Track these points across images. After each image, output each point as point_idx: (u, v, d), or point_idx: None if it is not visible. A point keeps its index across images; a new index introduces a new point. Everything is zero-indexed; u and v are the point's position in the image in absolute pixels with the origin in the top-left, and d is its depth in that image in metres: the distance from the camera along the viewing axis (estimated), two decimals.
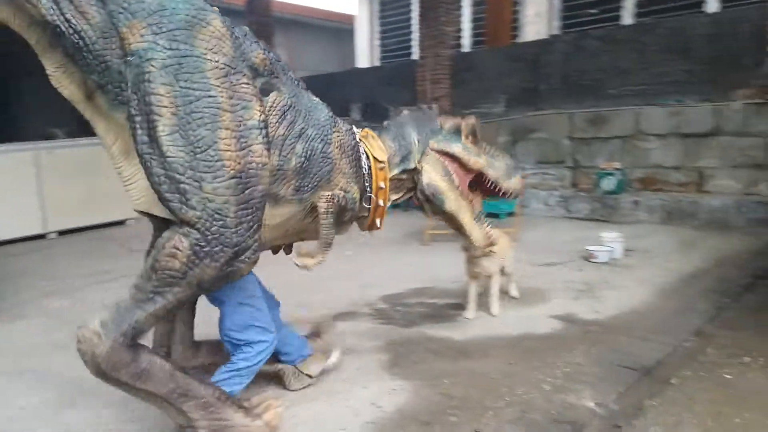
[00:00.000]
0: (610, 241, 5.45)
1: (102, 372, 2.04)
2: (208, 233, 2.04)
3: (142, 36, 2.02)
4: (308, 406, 2.79)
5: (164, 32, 2.04)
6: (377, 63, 12.79)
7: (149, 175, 2.04)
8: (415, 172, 2.92)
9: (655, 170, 7.27)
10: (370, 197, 2.75)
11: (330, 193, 2.52)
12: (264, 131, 2.19)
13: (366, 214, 2.84)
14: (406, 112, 3.04)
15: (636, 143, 7.37)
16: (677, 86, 7.08)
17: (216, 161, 2.04)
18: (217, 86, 2.08)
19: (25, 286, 5.27)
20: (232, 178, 2.06)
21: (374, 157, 2.73)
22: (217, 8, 2.28)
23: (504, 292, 4.22)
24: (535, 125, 8.26)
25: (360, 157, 2.69)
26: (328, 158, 2.51)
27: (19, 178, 7.33)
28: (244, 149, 2.10)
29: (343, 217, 2.67)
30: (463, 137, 2.95)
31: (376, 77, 10.49)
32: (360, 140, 2.76)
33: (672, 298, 4.21)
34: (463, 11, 10.68)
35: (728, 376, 2.91)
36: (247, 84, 2.18)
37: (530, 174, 8.05)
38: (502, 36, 9.20)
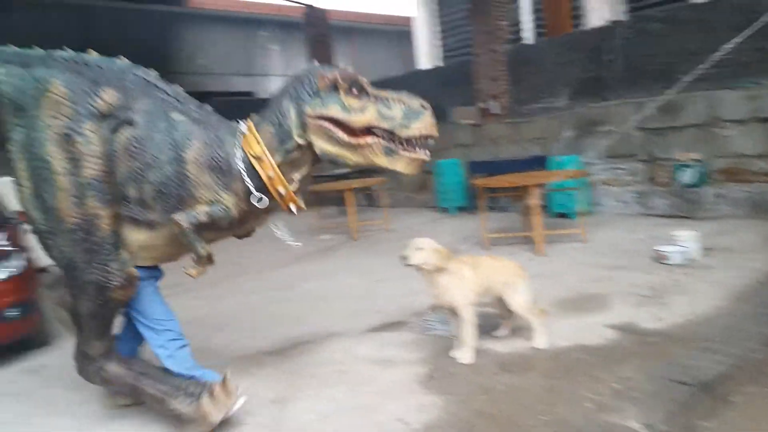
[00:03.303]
0: (684, 239, 4.99)
1: (89, 380, 2.88)
2: (72, 278, 2.65)
3: (10, 121, 2.60)
4: (334, 419, 2.77)
5: (20, 111, 2.57)
6: (439, 63, 12.65)
7: None
8: (306, 145, 2.68)
9: (738, 160, 6.63)
10: (264, 191, 2.69)
11: (183, 214, 2.62)
12: (96, 186, 2.57)
13: (275, 205, 2.79)
14: (285, 81, 2.84)
15: (713, 131, 6.76)
16: (750, 67, 6.42)
17: (58, 218, 2.54)
18: (53, 154, 2.54)
19: None
20: (72, 229, 2.55)
21: (251, 154, 2.65)
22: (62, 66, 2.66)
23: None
24: (600, 117, 7.80)
25: (229, 163, 2.67)
26: (185, 177, 2.64)
27: None
28: (78, 205, 2.55)
29: (219, 225, 2.72)
30: (341, 94, 2.60)
31: (435, 78, 10.36)
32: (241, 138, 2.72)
33: (747, 303, 3.81)
34: (521, 3, 10.32)
35: None
36: (82, 143, 2.55)
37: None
38: (564, 25, 8.80)
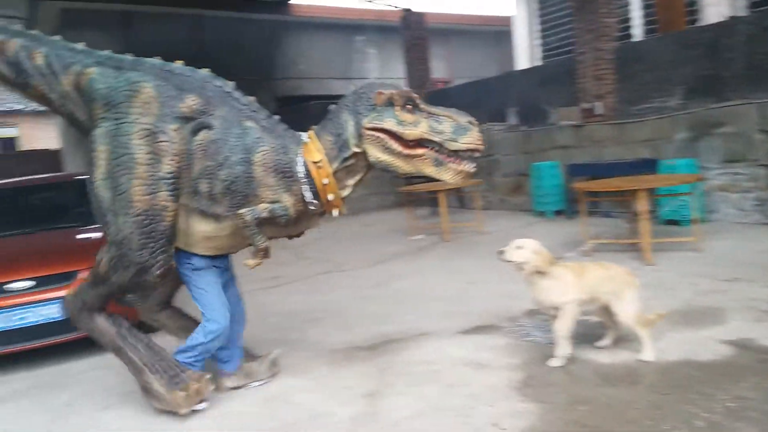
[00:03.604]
0: None
1: (72, 321, 3.17)
2: (119, 253, 2.89)
3: (99, 113, 2.96)
4: (427, 418, 2.75)
5: (110, 106, 2.92)
6: (539, 63, 12.28)
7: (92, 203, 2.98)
8: (361, 154, 2.93)
9: None
10: (317, 195, 2.95)
11: (247, 209, 2.87)
12: (171, 182, 2.86)
13: (322, 209, 3.04)
14: (344, 98, 3.07)
15: None
16: None
17: (128, 202, 2.81)
18: (138, 146, 2.83)
19: None
20: (139, 215, 2.82)
21: (311, 161, 2.91)
22: (154, 74, 2.99)
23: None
24: (719, 118, 7.20)
25: (291, 168, 2.93)
26: (252, 177, 2.91)
27: None
28: (151, 195, 2.81)
29: (278, 223, 2.96)
30: (396, 109, 2.84)
31: (534, 78, 10.06)
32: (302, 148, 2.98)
33: None
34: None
35: None
36: (166, 141, 2.85)
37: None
38: (677, 21, 8.22)
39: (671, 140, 7.44)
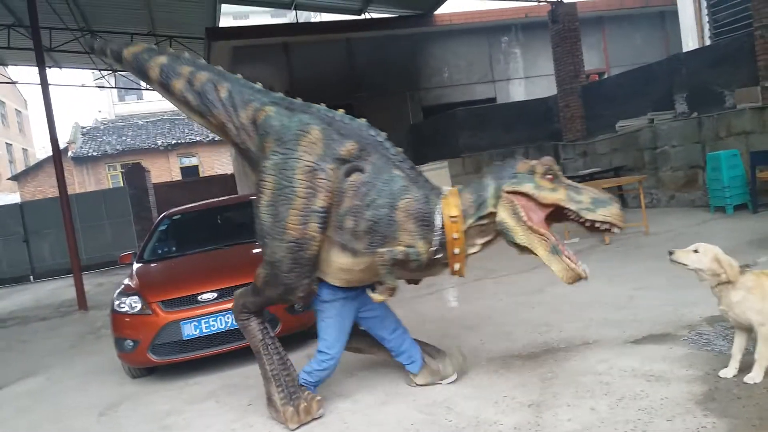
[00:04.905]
0: None
1: (234, 316, 3.58)
2: (271, 272, 3.24)
3: (270, 147, 3.28)
4: None
5: (281, 142, 3.24)
6: (708, 42, 11.02)
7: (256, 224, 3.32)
8: (494, 215, 3.06)
9: None
10: (444, 246, 3.08)
11: (386, 249, 3.02)
12: (322, 215, 3.10)
13: (445, 261, 3.16)
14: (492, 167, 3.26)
15: None
16: None
17: (283, 229, 3.10)
18: (299, 180, 3.11)
19: None
20: (291, 242, 3.11)
21: (448, 215, 3.06)
22: (321, 118, 3.31)
23: None
24: None
25: (430, 217, 3.08)
26: (393, 221, 3.08)
27: None
28: (303, 225, 3.08)
29: (408, 266, 3.11)
30: (537, 177, 2.98)
31: (704, 60, 9.05)
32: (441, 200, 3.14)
33: None
34: None
35: None
36: (323, 178, 3.11)
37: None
38: None
39: None
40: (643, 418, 2.68)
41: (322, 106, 3.40)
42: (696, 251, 2.92)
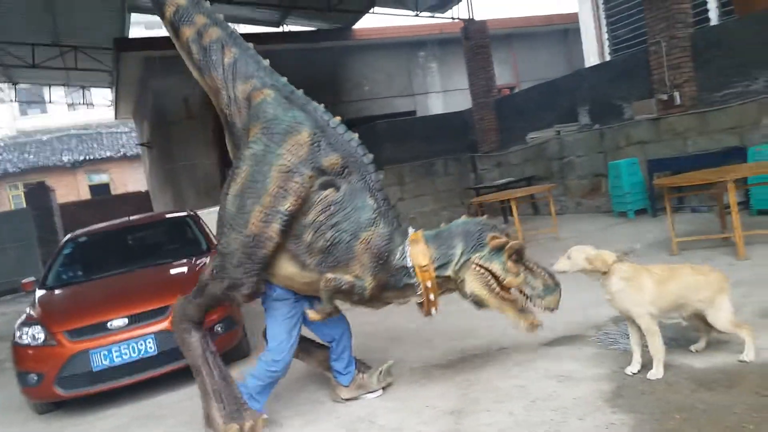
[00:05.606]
0: None
1: (172, 326, 3.40)
2: (221, 264, 3.14)
3: (255, 132, 3.14)
4: None
5: (268, 133, 3.11)
6: (608, 58, 11.81)
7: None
8: (452, 280, 3.19)
9: None
10: (416, 287, 3.18)
11: (334, 276, 3.04)
12: (286, 219, 3.02)
13: (421, 301, 3.23)
14: (460, 221, 3.32)
15: None
16: None
17: (245, 222, 3.02)
18: (274, 177, 3.02)
19: None
20: (248, 237, 3.03)
21: (417, 264, 3.13)
22: (315, 119, 3.24)
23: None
24: None
25: (387, 257, 3.13)
26: (351, 250, 3.07)
27: None
28: (265, 223, 3.00)
29: (351, 297, 3.15)
30: (504, 257, 3.11)
31: (604, 74, 9.69)
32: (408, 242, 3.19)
33: None
34: None
35: None
36: (298, 183, 3.03)
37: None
38: (755, 1, 7.69)
39: (759, 126, 6.94)
40: (555, 418, 2.81)
41: (321, 106, 3.32)
42: (569, 257, 3.15)
